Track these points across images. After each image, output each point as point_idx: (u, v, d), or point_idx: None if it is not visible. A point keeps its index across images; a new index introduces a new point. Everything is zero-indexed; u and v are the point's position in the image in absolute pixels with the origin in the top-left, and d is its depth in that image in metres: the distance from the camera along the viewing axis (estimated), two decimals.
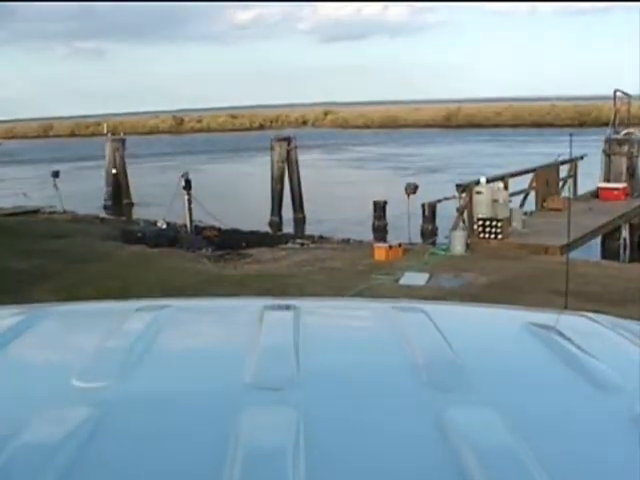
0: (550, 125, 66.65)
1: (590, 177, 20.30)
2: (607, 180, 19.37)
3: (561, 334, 1.26)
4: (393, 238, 16.67)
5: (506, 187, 15.76)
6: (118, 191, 28.87)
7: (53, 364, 1.13)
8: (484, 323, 1.45)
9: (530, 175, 18.37)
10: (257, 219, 21.91)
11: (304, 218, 24.42)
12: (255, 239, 17.78)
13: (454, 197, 15.73)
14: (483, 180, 15.16)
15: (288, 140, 24.81)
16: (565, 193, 18.47)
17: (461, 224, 15.09)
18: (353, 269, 12.71)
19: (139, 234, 17.51)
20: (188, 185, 18.88)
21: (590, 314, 1.49)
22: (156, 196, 24.52)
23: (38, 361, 1.16)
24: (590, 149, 19.87)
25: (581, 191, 19.55)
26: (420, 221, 18.75)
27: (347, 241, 16.79)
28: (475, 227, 14.72)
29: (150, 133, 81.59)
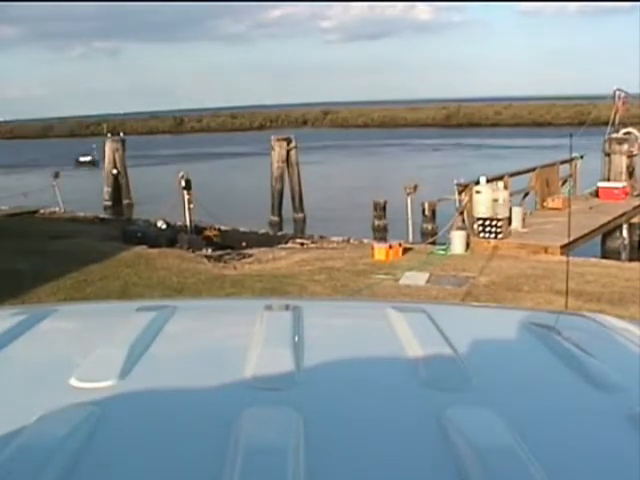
0: (549, 124, 66.82)
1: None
2: (607, 179, 19.37)
3: (561, 334, 1.26)
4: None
5: (506, 187, 15.76)
6: (118, 191, 28.89)
7: (53, 364, 1.13)
8: (484, 323, 1.45)
9: (530, 174, 18.37)
10: (257, 219, 21.94)
11: (304, 218, 24.44)
12: (255, 239, 17.78)
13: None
14: (483, 180, 15.16)
15: (288, 140, 24.83)
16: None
17: (460, 224, 15.10)
18: (353, 269, 12.70)
19: (139, 234, 17.50)
20: (188, 185, 18.89)
21: (590, 314, 1.50)
22: (158, 196, 24.53)
23: (38, 361, 1.16)
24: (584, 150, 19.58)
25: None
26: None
27: (347, 240, 16.79)
28: (475, 227, 14.72)
29: (150, 133, 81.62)
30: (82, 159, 47.98)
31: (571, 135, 8.77)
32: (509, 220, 14.95)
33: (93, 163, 44.64)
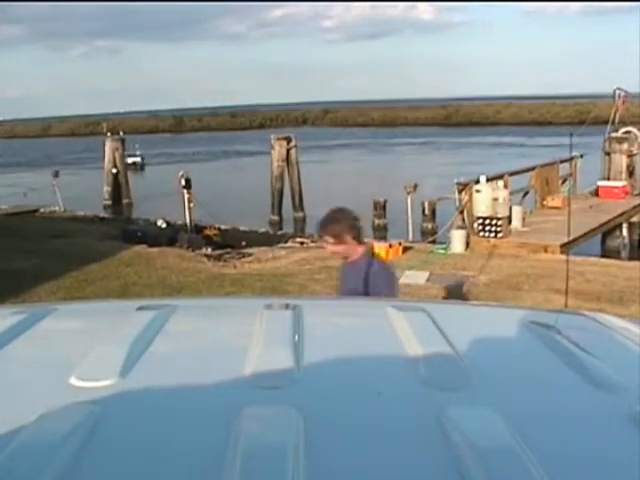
0: (549, 123, 66.88)
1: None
2: (607, 178, 19.35)
3: (561, 334, 1.25)
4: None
5: (506, 186, 15.75)
6: (118, 190, 28.88)
7: (53, 363, 1.13)
8: (484, 322, 1.45)
9: (530, 173, 18.36)
10: (257, 218, 21.95)
11: (304, 217, 24.43)
12: (255, 238, 17.77)
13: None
14: (483, 179, 15.15)
15: (288, 139, 24.82)
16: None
17: (460, 223, 15.09)
18: None
19: (139, 233, 17.50)
20: (188, 184, 18.89)
21: (590, 314, 1.49)
22: (158, 195, 24.54)
23: (38, 360, 1.16)
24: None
25: None
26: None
27: None
28: (475, 226, 14.71)
29: (150, 132, 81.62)
30: (130, 160, 37.19)
31: (571, 134, 8.75)
32: (509, 219, 14.94)
33: (141, 166, 38.36)
